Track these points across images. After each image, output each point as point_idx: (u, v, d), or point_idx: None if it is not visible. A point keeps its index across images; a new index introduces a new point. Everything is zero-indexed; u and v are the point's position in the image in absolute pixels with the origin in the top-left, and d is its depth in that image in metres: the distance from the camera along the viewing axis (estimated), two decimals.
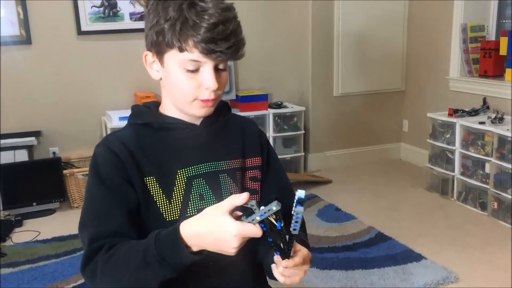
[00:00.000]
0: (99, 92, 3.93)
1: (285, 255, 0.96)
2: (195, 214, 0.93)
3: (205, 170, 1.11)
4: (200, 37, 0.98)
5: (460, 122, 3.62)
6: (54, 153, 3.84)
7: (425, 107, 4.27)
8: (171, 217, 1.07)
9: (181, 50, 1.01)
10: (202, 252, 0.93)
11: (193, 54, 1.00)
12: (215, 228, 0.88)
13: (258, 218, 0.87)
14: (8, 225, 3.34)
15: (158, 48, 1.05)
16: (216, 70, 1.05)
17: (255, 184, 1.18)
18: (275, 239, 0.92)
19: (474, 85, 3.90)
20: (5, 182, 3.49)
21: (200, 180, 1.10)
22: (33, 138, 3.68)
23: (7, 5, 3.60)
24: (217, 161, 1.13)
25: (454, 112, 3.71)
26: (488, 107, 3.74)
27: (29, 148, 3.71)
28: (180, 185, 1.09)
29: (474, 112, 3.71)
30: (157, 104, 1.18)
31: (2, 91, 3.64)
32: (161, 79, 1.10)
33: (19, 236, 3.25)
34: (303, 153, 4.38)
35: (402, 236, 3.11)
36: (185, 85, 1.04)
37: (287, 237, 0.93)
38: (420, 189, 3.98)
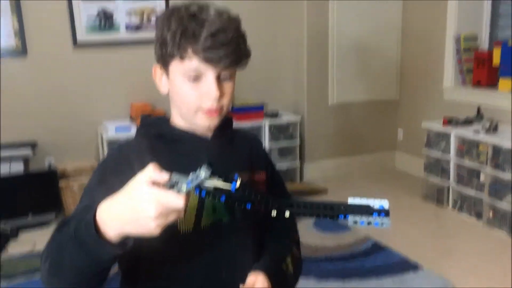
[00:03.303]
0: (96, 103, 3.93)
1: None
2: (208, 227, 0.91)
3: None
4: (200, 44, 1.00)
5: (454, 132, 3.64)
6: (49, 164, 3.83)
7: (420, 116, 4.30)
8: (185, 229, 1.08)
9: (181, 58, 1.03)
10: (126, 243, 0.84)
11: (193, 62, 1.02)
12: (130, 197, 0.81)
13: (183, 188, 0.80)
14: (4, 237, 3.33)
15: (163, 59, 1.07)
16: (220, 79, 1.06)
17: None
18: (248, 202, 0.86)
19: (468, 95, 3.94)
20: (1, 194, 3.47)
21: None
22: (29, 149, 3.67)
23: (2, 16, 3.58)
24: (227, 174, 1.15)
25: (448, 121, 3.74)
26: (482, 117, 3.77)
27: (25, 159, 3.70)
28: (193, 198, 1.09)
29: (468, 122, 3.74)
30: (167, 117, 1.20)
31: None
32: (168, 93, 1.12)
33: (15, 248, 3.23)
34: (299, 162, 4.39)
35: (398, 245, 3.12)
36: (187, 94, 1.06)
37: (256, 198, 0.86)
38: (415, 198, 3.99)
